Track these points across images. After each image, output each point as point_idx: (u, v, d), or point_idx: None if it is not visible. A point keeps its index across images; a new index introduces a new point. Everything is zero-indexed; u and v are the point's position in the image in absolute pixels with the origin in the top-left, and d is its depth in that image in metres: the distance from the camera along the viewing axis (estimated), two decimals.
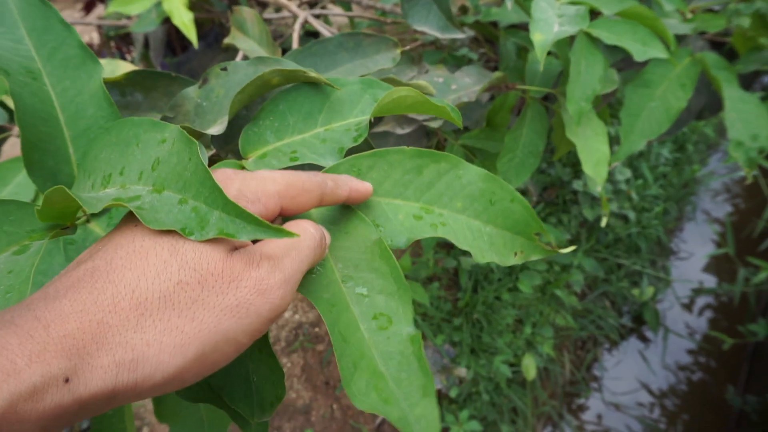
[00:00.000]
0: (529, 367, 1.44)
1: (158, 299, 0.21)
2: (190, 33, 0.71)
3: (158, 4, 0.83)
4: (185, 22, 0.72)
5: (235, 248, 0.24)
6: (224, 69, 0.37)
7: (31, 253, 0.26)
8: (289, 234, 0.22)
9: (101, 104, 0.30)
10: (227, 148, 0.37)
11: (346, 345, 0.26)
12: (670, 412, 1.65)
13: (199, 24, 1.10)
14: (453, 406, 1.40)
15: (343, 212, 0.30)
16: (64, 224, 0.28)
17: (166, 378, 0.21)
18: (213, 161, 0.35)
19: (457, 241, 0.29)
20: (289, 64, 0.35)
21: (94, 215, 0.29)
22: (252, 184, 0.25)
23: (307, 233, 0.26)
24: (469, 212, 0.30)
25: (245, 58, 0.61)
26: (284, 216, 0.28)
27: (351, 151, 0.32)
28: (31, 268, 0.26)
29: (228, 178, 0.25)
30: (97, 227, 0.29)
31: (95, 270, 0.21)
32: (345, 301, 0.27)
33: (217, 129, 0.34)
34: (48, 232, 0.27)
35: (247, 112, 0.38)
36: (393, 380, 0.25)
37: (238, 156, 0.33)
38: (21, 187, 0.43)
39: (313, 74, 0.34)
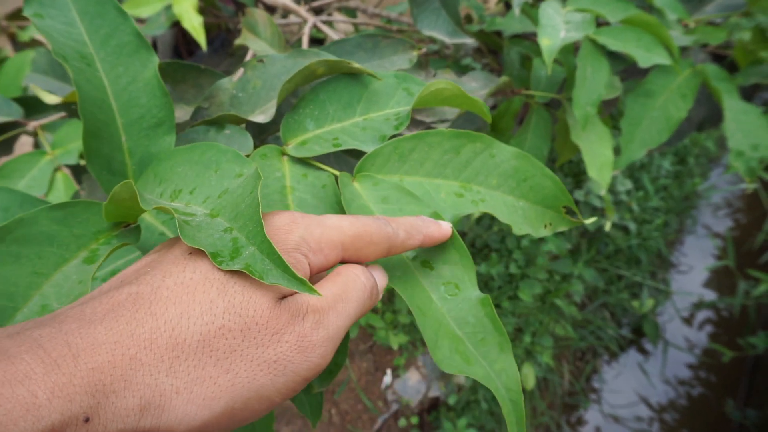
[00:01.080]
0: (528, 376, 1.44)
1: (197, 342, 0.20)
2: (200, 36, 0.73)
3: (168, 8, 0.84)
4: (195, 25, 0.73)
5: (284, 296, 0.22)
6: (261, 61, 0.38)
7: (97, 263, 0.26)
8: (311, 290, 0.21)
9: (155, 93, 0.30)
10: (262, 137, 0.38)
11: (425, 317, 0.27)
12: (670, 426, 1.65)
13: (206, 29, 1.12)
14: (451, 414, 1.39)
15: (395, 194, 0.31)
16: (127, 222, 0.28)
17: (189, 430, 0.19)
18: None
19: (497, 215, 0.31)
20: (331, 56, 0.36)
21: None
22: (316, 232, 0.24)
23: (357, 283, 0.24)
24: (504, 188, 0.31)
25: None
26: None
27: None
28: (95, 280, 0.26)
29: (293, 222, 0.24)
30: (158, 223, 0.30)
31: (138, 297, 0.20)
32: (415, 277, 0.28)
33: (261, 117, 0.36)
34: (113, 230, 0.27)
35: (281, 103, 0.39)
36: (471, 342, 0.27)
37: (274, 143, 0.34)
38: (36, 180, 0.44)
39: (355, 65, 0.35)
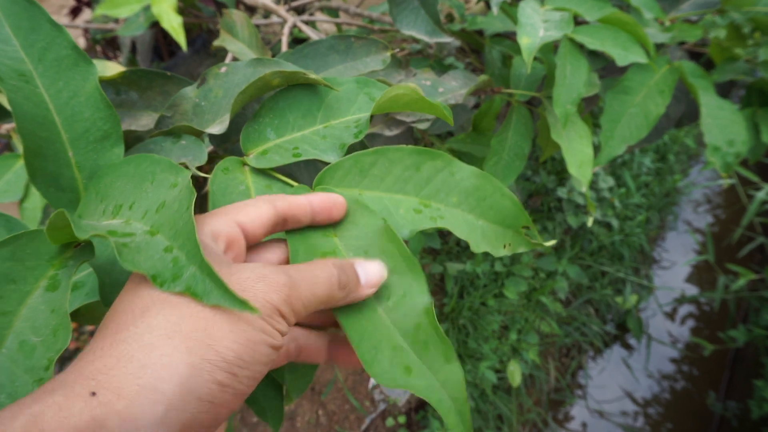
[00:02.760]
0: (515, 373, 1.45)
1: None
2: (179, 37, 0.72)
3: (147, 8, 0.83)
4: (174, 26, 0.72)
5: None
6: (223, 70, 0.37)
7: (63, 288, 0.26)
8: (252, 310, 0.21)
9: (98, 106, 0.30)
10: (224, 146, 0.38)
11: (364, 331, 0.26)
12: (654, 420, 1.67)
13: (187, 29, 1.11)
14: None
15: (351, 206, 0.31)
16: (77, 241, 0.27)
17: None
18: (211, 159, 0.36)
19: (455, 232, 0.30)
20: (289, 66, 0.36)
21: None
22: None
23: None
24: (464, 207, 0.31)
25: (235, 60, 0.62)
26: None
27: (350, 149, 0.33)
28: (68, 305, 0.25)
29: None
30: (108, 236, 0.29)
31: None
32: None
33: (218, 128, 0.35)
34: (66, 252, 0.27)
35: (244, 111, 0.38)
36: (415, 352, 0.26)
37: (236, 153, 0.33)
38: (11, 184, 0.43)
39: (312, 76, 0.35)
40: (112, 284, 0.27)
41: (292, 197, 0.28)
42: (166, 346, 0.20)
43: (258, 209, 0.27)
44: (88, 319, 0.28)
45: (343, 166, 0.32)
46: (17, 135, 0.49)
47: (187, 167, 0.32)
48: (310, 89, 0.36)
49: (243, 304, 0.21)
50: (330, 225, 0.30)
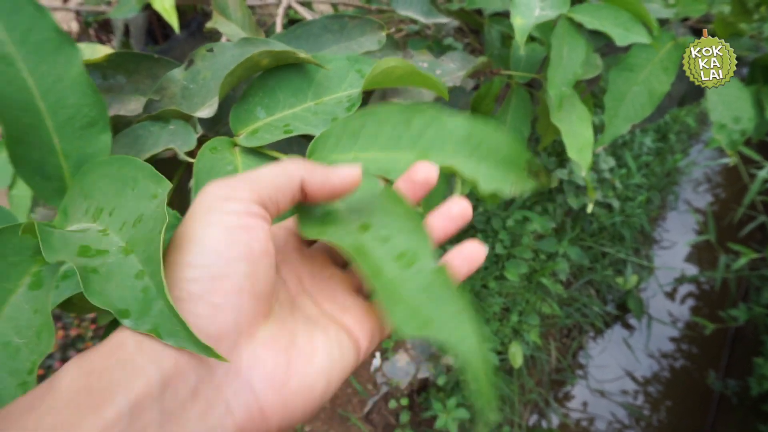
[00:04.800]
0: (516, 355, 1.45)
1: None
2: (172, 19, 0.70)
3: None
4: (166, 7, 0.71)
5: None
6: (210, 50, 0.36)
7: (46, 287, 0.25)
8: (219, 358, 0.20)
9: (84, 91, 0.28)
10: (215, 129, 0.37)
11: (380, 280, 0.25)
12: (654, 398, 1.68)
13: (181, 12, 1.08)
14: (441, 394, 1.41)
15: None
16: (60, 228, 0.27)
17: None
18: (201, 142, 0.35)
19: (462, 170, 0.30)
20: (278, 45, 0.35)
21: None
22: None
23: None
24: (462, 154, 0.31)
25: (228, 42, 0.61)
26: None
27: None
28: (51, 304, 0.24)
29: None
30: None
31: None
32: (365, 248, 0.26)
33: (206, 112, 0.34)
34: None
35: (233, 92, 0.37)
36: (432, 309, 0.25)
37: (227, 135, 0.33)
38: None
39: (302, 55, 0.34)
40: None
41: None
42: None
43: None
44: (80, 309, 0.27)
45: (334, 132, 0.31)
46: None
47: (176, 153, 0.31)
48: (300, 68, 0.35)
49: (209, 350, 0.20)
50: None
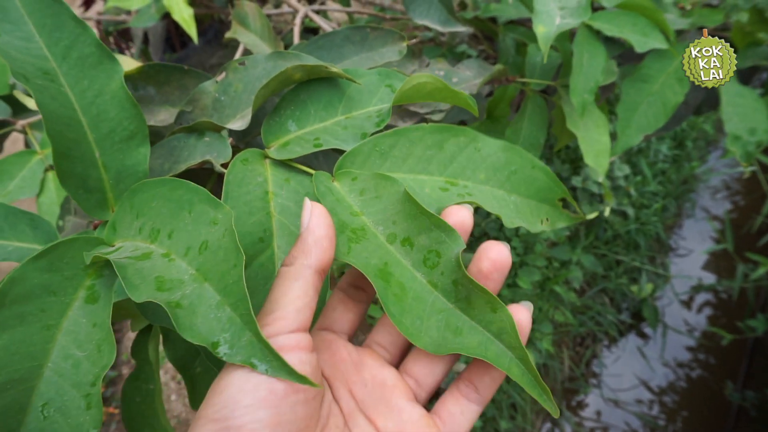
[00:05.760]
0: None
1: None
2: (190, 28, 0.72)
3: (158, 0, 0.83)
4: (185, 17, 0.72)
5: None
6: (242, 64, 0.37)
7: (104, 301, 0.25)
8: (314, 384, 0.21)
9: (124, 105, 0.29)
10: (245, 140, 0.38)
11: (404, 304, 0.25)
12: (669, 408, 1.66)
13: (198, 20, 1.10)
14: None
15: (372, 181, 0.30)
16: (109, 244, 0.27)
17: None
18: (233, 152, 0.36)
19: (485, 206, 0.29)
20: (310, 59, 0.35)
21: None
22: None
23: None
24: (493, 182, 0.30)
25: (246, 52, 0.62)
26: None
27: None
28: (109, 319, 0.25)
29: None
30: (139, 242, 0.28)
31: None
32: (396, 258, 0.27)
33: (239, 124, 0.34)
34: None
35: (263, 105, 0.38)
36: (461, 310, 0.25)
37: (257, 147, 0.33)
38: (26, 180, 0.43)
39: (334, 69, 0.34)
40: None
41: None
42: None
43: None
44: (115, 315, 0.28)
45: (363, 150, 0.31)
46: (31, 131, 0.50)
47: (212, 164, 0.31)
48: (330, 82, 0.36)
49: (303, 379, 0.21)
50: (356, 204, 0.29)
